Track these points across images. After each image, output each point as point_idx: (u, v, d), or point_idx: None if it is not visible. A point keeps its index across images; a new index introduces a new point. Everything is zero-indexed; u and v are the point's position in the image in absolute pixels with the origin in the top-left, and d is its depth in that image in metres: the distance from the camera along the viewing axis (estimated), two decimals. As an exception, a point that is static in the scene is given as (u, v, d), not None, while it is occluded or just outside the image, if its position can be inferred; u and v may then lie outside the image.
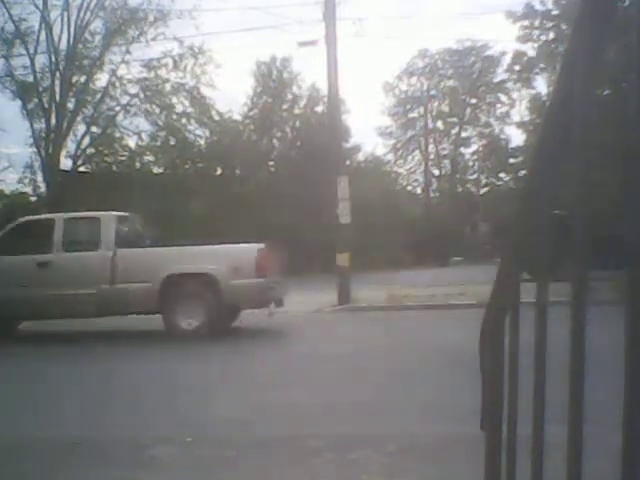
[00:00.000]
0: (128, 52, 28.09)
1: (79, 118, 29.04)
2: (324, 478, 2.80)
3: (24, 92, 27.95)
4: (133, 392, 4.76)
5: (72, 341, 8.15)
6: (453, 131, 51.69)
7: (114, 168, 31.06)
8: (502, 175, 43.23)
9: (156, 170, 33.81)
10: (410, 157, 52.62)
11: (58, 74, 27.26)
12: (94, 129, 29.78)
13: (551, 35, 18.05)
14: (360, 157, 40.86)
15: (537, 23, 18.46)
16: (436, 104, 51.45)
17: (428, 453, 3.05)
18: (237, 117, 38.56)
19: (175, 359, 6.32)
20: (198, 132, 34.71)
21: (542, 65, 19.61)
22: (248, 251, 7.79)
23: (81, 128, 29.48)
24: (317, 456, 3.03)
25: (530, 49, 19.89)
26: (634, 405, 0.84)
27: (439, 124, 52.10)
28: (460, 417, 2.88)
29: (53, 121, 27.64)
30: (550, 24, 17.69)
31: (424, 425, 3.55)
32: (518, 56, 21.39)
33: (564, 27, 15.30)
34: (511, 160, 34.31)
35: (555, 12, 17.31)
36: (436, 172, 53.79)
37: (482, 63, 46.64)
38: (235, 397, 4.54)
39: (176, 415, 4.04)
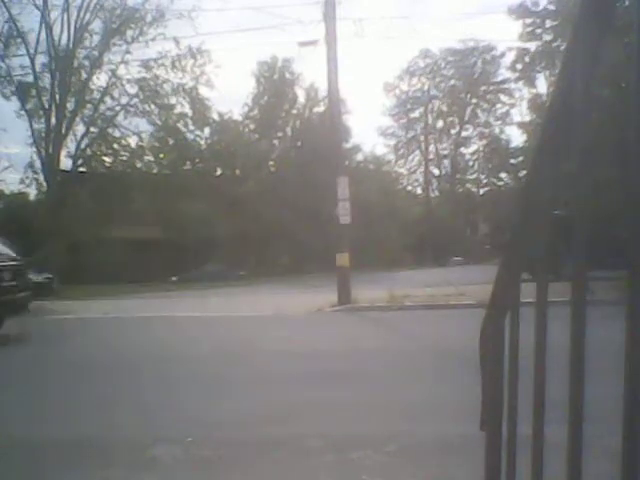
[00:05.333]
0: (128, 52, 28.13)
1: (78, 118, 29.05)
2: (324, 478, 2.80)
3: (23, 92, 27.97)
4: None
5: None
6: (453, 131, 51.70)
7: (114, 168, 31.07)
8: (502, 175, 43.25)
9: (156, 170, 33.82)
10: (411, 157, 52.61)
11: (58, 74, 27.25)
12: (94, 129, 29.78)
13: (550, 35, 18.07)
14: (360, 157, 40.90)
15: (539, 21, 18.46)
16: (437, 104, 51.43)
17: (428, 453, 3.05)
18: (237, 117, 38.63)
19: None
20: (198, 132, 34.79)
21: (543, 64, 19.61)
22: None
23: (81, 128, 29.51)
24: (317, 456, 3.03)
25: (533, 47, 19.88)
26: (634, 405, 0.84)
27: (440, 124, 52.09)
28: (460, 417, 2.88)
29: (53, 121, 27.63)
30: (551, 23, 17.69)
31: (424, 425, 3.55)
32: (520, 54, 21.35)
33: (564, 26, 15.30)
34: (512, 160, 34.32)
35: (553, 9, 17.33)
36: (436, 172, 53.69)
37: (483, 63, 46.65)
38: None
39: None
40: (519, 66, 22.30)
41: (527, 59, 20.96)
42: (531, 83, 23.45)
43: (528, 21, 19.01)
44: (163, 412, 4.15)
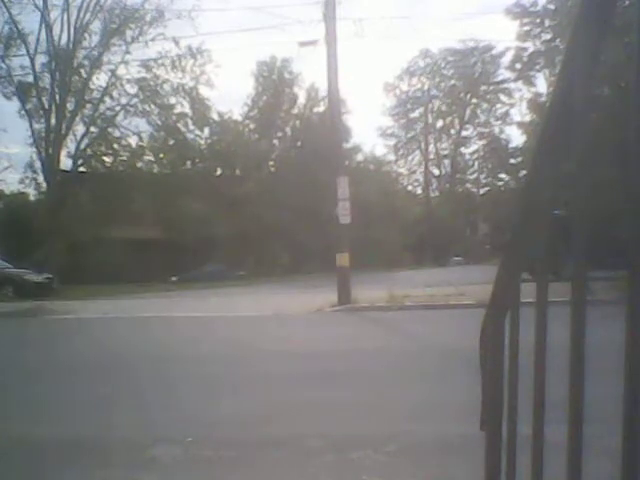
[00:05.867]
0: (128, 52, 28.15)
1: (78, 118, 29.05)
2: (324, 478, 2.80)
3: (23, 92, 27.97)
4: None
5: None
6: (453, 131, 51.71)
7: (114, 168, 31.07)
8: (502, 175, 43.21)
9: (156, 170, 33.83)
10: (411, 157, 52.62)
11: (58, 74, 27.24)
12: (94, 129, 29.78)
13: (549, 35, 18.08)
14: (360, 157, 40.90)
15: (538, 21, 18.48)
16: (437, 104, 51.42)
17: (428, 453, 3.05)
18: (237, 117, 38.63)
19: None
20: (198, 132, 34.80)
21: (542, 63, 19.61)
22: None
23: (81, 128, 29.51)
24: (317, 456, 3.03)
25: (531, 46, 19.91)
26: (634, 405, 0.84)
27: (440, 124, 52.10)
28: (460, 417, 2.88)
29: (53, 121, 27.62)
30: (550, 22, 17.71)
31: (424, 425, 3.55)
32: (519, 53, 21.36)
33: (563, 25, 15.30)
34: (511, 160, 34.32)
35: (552, 8, 17.35)
36: (436, 172, 53.67)
37: (483, 63, 46.64)
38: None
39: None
40: (518, 66, 22.30)
41: (525, 58, 20.96)
42: (530, 82, 23.46)
43: (525, 20, 19.03)
44: (163, 412, 4.15)
